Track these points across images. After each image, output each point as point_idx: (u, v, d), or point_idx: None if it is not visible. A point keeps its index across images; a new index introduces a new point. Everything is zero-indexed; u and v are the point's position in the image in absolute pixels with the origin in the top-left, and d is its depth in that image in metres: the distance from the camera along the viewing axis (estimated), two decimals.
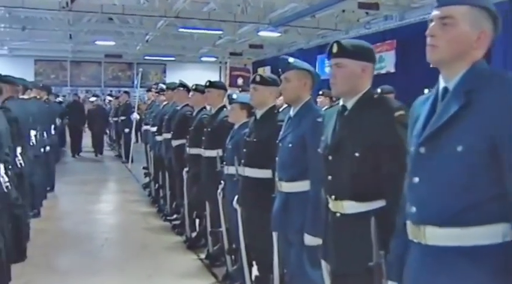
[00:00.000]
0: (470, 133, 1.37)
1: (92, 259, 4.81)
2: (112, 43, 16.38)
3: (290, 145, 2.65)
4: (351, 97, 2.06)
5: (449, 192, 1.41)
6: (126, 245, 5.39)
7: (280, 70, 2.75)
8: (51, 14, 13.06)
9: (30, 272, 4.30)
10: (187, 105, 5.42)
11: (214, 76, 18.09)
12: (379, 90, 3.37)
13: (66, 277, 4.31)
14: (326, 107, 5.53)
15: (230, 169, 3.62)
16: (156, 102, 7.72)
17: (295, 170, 2.63)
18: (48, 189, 7.33)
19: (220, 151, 4.05)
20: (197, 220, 5.17)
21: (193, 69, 20.11)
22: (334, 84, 2.07)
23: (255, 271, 3.51)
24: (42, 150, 6.20)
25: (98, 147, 13.30)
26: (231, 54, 16.97)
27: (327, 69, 9.93)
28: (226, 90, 4.60)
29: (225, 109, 4.31)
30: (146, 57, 19.36)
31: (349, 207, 1.99)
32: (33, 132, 5.53)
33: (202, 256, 4.75)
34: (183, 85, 5.65)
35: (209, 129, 4.35)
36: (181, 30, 13.40)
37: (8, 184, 3.53)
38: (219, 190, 3.89)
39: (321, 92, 6.49)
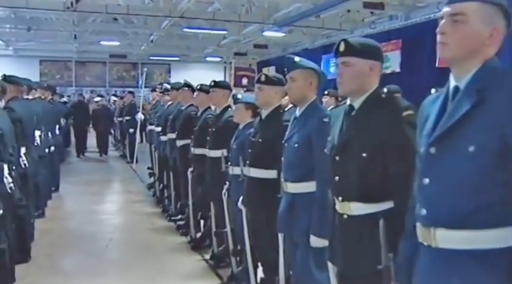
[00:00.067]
0: (483, 132, 1.33)
1: (96, 259, 4.79)
2: (117, 43, 16.40)
3: (296, 145, 2.61)
4: (359, 96, 2.02)
5: (461, 193, 1.37)
6: (131, 245, 5.37)
7: (285, 69, 2.72)
8: (56, 15, 13.08)
9: (35, 273, 4.28)
10: (192, 105, 5.40)
11: (219, 77, 18.07)
12: (385, 90, 3.32)
13: (70, 278, 4.30)
14: (332, 107, 5.50)
15: (235, 170, 3.59)
16: (160, 102, 7.70)
17: (301, 170, 2.60)
18: (53, 189, 7.32)
19: (225, 152, 4.02)
20: (202, 221, 5.14)
21: (198, 69, 20.10)
22: (341, 83, 2.03)
23: (260, 273, 3.48)
24: (46, 150, 6.19)
25: (102, 147, 13.31)
26: (236, 54, 16.95)
27: (332, 69, 9.93)
28: (231, 90, 4.58)
29: (229, 109, 4.29)
30: (151, 57, 19.37)
31: (357, 208, 1.96)
32: (37, 132, 5.51)
33: (207, 256, 4.72)
34: (187, 85, 5.63)
35: (214, 129, 4.32)
36: (185, 30, 13.39)
37: (11, 184, 3.51)
38: (223, 191, 3.86)
39: (326, 92, 6.46)
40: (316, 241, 2.45)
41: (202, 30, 13.75)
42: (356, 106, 2.03)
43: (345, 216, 2.00)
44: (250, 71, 7.45)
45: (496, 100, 1.33)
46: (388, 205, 1.91)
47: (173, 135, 5.68)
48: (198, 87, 4.95)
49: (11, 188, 3.51)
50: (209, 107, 4.87)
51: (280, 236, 2.82)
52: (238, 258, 3.94)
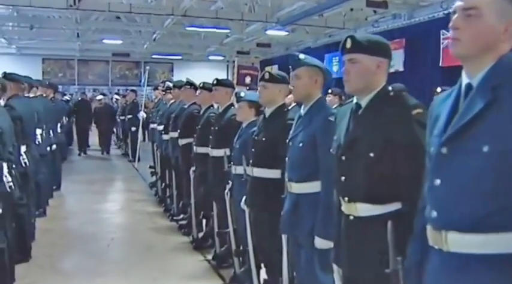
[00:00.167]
0: (497, 132, 1.27)
1: (98, 259, 4.75)
2: (119, 42, 16.39)
3: (301, 144, 2.56)
4: (366, 94, 1.96)
5: (473, 195, 1.31)
6: (132, 245, 5.32)
7: (290, 67, 2.66)
8: (58, 13, 13.06)
9: (35, 272, 4.25)
10: (194, 103, 5.35)
11: (222, 75, 18.00)
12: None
13: (71, 278, 4.26)
14: (335, 106, 5.44)
15: (238, 169, 3.55)
16: (163, 101, 7.66)
17: (305, 170, 2.55)
18: (54, 187, 7.29)
19: (227, 151, 3.97)
20: (204, 221, 5.10)
21: (200, 67, 20.08)
22: (348, 81, 1.97)
23: (263, 274, 3.43)
24: (48, 148, 6.15)
25: (105, 146, 13.30)
26: (239, 52, 16.90)
27: (335, 68, 9.85)
28: (234, 88, 4.53)
29: (232, 107, 4.23)
30: (153, 56, 19.37)
31: (363, 209, 1.90)
32: (38, 131, 5.47)
33: (209, 257, 4.67)
34: (190, 83, 5.58)
35: (216, 128, 4.28)
36: (188, 28, 13.36)
37: (11, 183, 3.46)
38: (226, 190, 3.81)
39: (330, 91, 6.40)
40: (321, 243, 2.40)
41: (205, 29, 13.71)
42: (363, 105, 1.96)
43: (351, 217, 1.94)
44: (253, 69, 7.38)
45: (511, 98, 1.28)
46: (395, 206, 1.85)
47: (175, 134, 5.63)
48: (201, 86, 4.91)
49: (10, 187, 3.47)
50: (212, 105, 4.82)
51: (284, 237, 2.77)
52: (241, 259, 3.89)
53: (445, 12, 9.30)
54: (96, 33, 15.54)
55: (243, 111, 3.67)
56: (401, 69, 10.21)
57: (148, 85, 12.24)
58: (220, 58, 19.90)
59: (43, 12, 12.96)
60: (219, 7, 11.86)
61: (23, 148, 4.38)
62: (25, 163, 4.38)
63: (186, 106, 5.54)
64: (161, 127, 6.66)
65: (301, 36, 14.64)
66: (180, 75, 17.90)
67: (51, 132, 6.43)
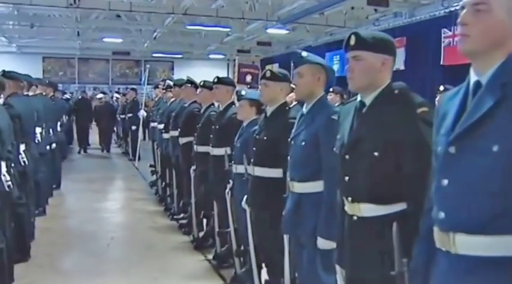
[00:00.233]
0: (507, 131, 1.23)
1: (97, 259, 4.72)
2: (120, 40, 16.35)
3: (303, 143, 2.52)
4: (370, 92, 1.92)
5: (482, 196, 1.27)
6: (132, 244, 5.29)
7: (292, 64, 2.62)
8: (59, 11, 13.03)
9: (34, 272, 4.21)
10: (195, 101, 5.32)
11: (222, 74, 17.84)
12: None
13: (71, 278, 4.23)
14: (336, 104, 5.40)
15: (239, 168, 3.51)
16: (163, 99, 7.62)
17: (308, 170, 2.51)
18: (54, 186, 7.25)
19: (228, 150, 3.94)
20: (204, 220, 5.07)
21: (201, 66, 20.04)
22: (352, 79, 1.93)
23: (264, 274, 3.40)
24: (47, 147, 6.12)
25: (105, 144, 13.28)
26: (239, 51, 16.87)
27: (336, 67, 9.82)
28: (234, 86, 4.49)
29: (233, 106, 4.20)
30: (154, 55, 19.33)
31: (367, 209, 1.86)
32: (38, 129, 5.43)
33: (210, 256, 4.64)
34: (190, 81, 5.54)
35: (217, 127, 4.24)
36: (189, 27, 13.32)
37: (9, 183, 3.42)
38: (227, 190, 3.78)
39: (331, 89, 6.35)
40: (323, 243, 2.37)
41: (205, 27, 13.66)
42: (367, 103, 1.92)
43: (355, 218, 1.91)
44: (254, 68, 7.33)
45: None
46: (400, 206, 1.81)
47: (176, 133, 5.60)
48: (201, 84, 4.87)
49: (9, 186, 3.43)
50: (212, 104, 4.79)
51: (286, 237, 2.73)
52: (241, 259, 3.85)
53: (446, 10, 9.27)
54: (96, 31, 15.50)
55: (244, 109, 3.64)
56: (402, 67, 10.17)
57: (148, 84, 12.21)
58: (221, 56, 19.87)
59: (43, 10, 12.94)
60: (219, 5, 11.83)
61: (22, 147, 4.35)
62: (24, 162, 4.34)
63: (186, 105, 5.51)
64: (161, 126, 6.63)
65: (301, 34, 14.60)
66: (181, 73, 17.87)
67: (51, 130, 6.39)
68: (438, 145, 1.41)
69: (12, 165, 3.63)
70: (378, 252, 1.81)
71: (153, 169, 7.64)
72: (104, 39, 16.06)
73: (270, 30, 13.08)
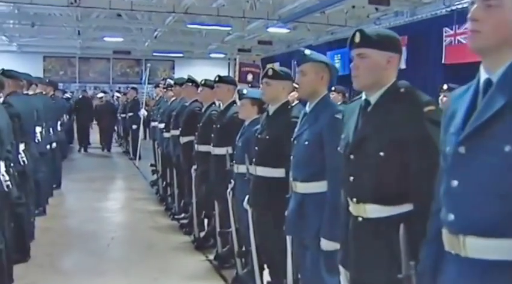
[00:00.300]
0: None
1: (98, 259, 4.69)
2: (120, 39, 16.34)
3: (306, 143, 2.48)
4: (375, 91, 1.88)
5: (494, 197, 1.22)
6: (133, 244, 5.26)
7: (295, 63, 2.58)
8: (59, 10, 13.03)
9: (34, 272, 4.18)
10: (196, 100, 5.28)
11: (223, 73, 17.77)
12: None
13: (71, 278, 4.20)
14: (339, 103, 5.37)
15: (240, 168, 3.48)
16: (164, 98, 7.59)
17: (311, 169, 2.47)
18: (54, 186, 7.22)
19: (229, 149, 3.91)
20: (206, 220, 5.03)
21: (201, 65, 20.02)
22: (357, 77, 1.88)
23: (266, 276, 3.36)
24: (48, 146, 6.08)
25: (106, 144, 13.26)
26: (240, 50, 16.83)
27: (337, 66, 9.81)
28: (236, 85, 4.46)
29: (235, 105, 4.16)
30: (155, 54, 19.31)
31: (372, 210, 1.82)
32: (38, 129, 5.40)
33: (211, 257, 4.60)
34: (191, 80, 5.50)
35: (218, 126, 4.20)
36: (189, 26, 13.29)
37: (8, 182, 3.38)
38: (228, 189, 3.74)
39: (333, 88, 6.32)
40: (327, 244, 2.34)
41: (206, 26, 13.64)
42: (372, 102, 1.88)
43: (360, 219, 1.86)
44: (255, 66, 7.31)
45: None
46: (406, 207, 1.77)
47: (177, 132, 5.56)
48: (203, 82, 4.84)
49: (8, 186, 3.39)
50: (213, 103, 4.75)
51: (288, 238, 2.69)
52: (243, 260, 3.82)
53: (448, 9, 9.23)
54: (97, 30, 15.48)
55: (245, 108, 3.60)
56: (403, 66, 10.13)
57: (149, 83, 12.17)
58: (222, 56, 19.84)
59: (44, 9, 12.92)
60: (220, 4, 11.80)
61: (22, 147, 4.31)
62: (24, 161, 4.30)
63: (187, 104, 5.47)
64: (162, 125, 6.59)
65: (302, 33, 14.57)
66: (181, 72, 17.82)
67: (51, 130, 6.36)
68: (447, 144, 1.37)
69: (12, 164, 3.59)
70: (383, 254, 1.77)
71: (154, 168, 7.61)
72: (105, 38, 16.04)
73: (270, 29, 13.05)
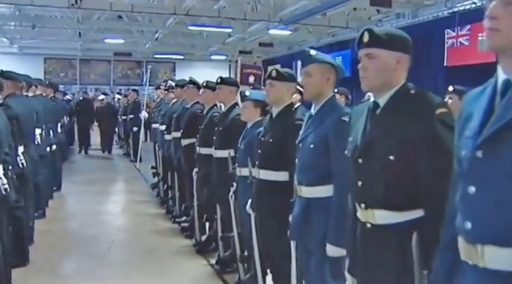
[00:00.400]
0: None
1: (98, 262, 4.62)
2: (121, 41, 16.31)
3: (311, 146, 2.41)
4: (384, 92, 1.81)
5: None
6: (133, 248, 5.20)
7: (300, 63, 2.52)
8: (60, 12, 13.00)
9: (33, 276, 4.13)
10: (197, 102, 5.22)
11: (224, 75, 17.77)
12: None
13: (70, 282, 4.15)
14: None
15: (243, 171, 3.42)
16: (165, 100, 7.53)
17: (316, 173, 2.40)
18: (54, 188, 7.16)
19: (232, 152, 3.85)
20: (207, 223, 4.97)
21: (202, 67, 19.98)
22: (365, 78, 1.82)
23: (269, 281, 3.29)
24: (48, 149, 6.02)
25: (106, 146, 13.21)
26: (241, 52, 16.78)
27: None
28: (238, 86, 4.40)
29: (237, 107, 4.10)
30: (155, 56, 19.27)
31: (382, 216, 1.76)
32: (38, 131, 5.34)
33: (213, 261, 4.54)
34: (193, 82, 5.45)
35: (220, 128, 4.14)
36: (190, 28, 13.26)
37: (6, 186, 3.32)
38: (230, 193, 3.68)
39: (336, 90, 6.26)
40: (333, 250, 2.27)
41: (207, 28, 13.61)
42: (381, 104, 1.81)
43: (368, 225, 1.80)
44: (256, 68, 7.25)
45: None
46: (417, 214, 1.70)
47: (178, 134, 5.50)
48: (204, 84, 4.78)
49: (5, 189, 3.33)
50: (215, 105, 4.69)
51: (293, 243, 2.62)
52: (245, 265, 3.75)
53: (450, 11, 9.18)
54: (98, 32, 15.46)
55: (248, 110, 3.54)
56: None
57: (150, 85, 12.13)
58: (223, 57, 19.80)
59: (45, 11, 12.90)
60: (221, 6, 11.76)
61: (21, 149, 4.25)
62: (22, 164, 4.24)
63: (188, 106, 5.42)
64: (163, 127, 6.53)
65: (304, 35, 14.53)
66: (182, 74, 17.76)
67: (51, 132, 6.30)
68: (462, 148, 1.31)
69: (10, 167, 3.53)
70: (393, 262, 1.71)
71: (155, 171, 7.55)
72: (106, 40, 16.01)
73: (272, 31, 13.02)
